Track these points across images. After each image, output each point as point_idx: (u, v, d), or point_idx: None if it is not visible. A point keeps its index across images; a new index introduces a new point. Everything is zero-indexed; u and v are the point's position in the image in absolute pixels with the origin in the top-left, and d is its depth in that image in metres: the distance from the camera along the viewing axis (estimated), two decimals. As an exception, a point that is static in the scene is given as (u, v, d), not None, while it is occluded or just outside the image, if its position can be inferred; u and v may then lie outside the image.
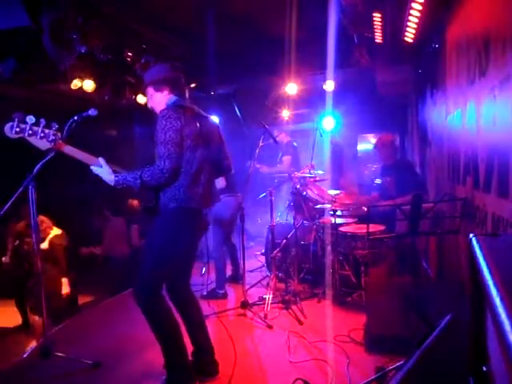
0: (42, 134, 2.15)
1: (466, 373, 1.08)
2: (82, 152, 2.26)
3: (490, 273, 0.85)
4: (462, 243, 3.01)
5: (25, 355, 2.81)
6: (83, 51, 3.61)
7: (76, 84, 4.62)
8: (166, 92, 2.48)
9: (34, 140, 2.16)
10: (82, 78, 4.63)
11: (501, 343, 0.67)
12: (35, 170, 2.60)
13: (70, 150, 2.26)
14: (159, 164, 2.21)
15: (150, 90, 2.50)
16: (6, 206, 2.58)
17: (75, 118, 2.49)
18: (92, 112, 2.53)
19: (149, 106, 2.59)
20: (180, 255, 2.42)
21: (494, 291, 0.78)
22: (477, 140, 2.54)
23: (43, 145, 2.19)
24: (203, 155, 2.42)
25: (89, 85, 4.71)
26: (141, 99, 5.52)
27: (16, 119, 2.10)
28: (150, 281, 2.33)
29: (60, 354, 2.75)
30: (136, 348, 3.02)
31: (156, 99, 2.50)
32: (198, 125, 2.41)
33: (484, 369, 0.93)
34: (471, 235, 1.13)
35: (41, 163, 2.55)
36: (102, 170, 2.27)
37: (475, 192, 2.61)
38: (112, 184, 2.27)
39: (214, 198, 2.57)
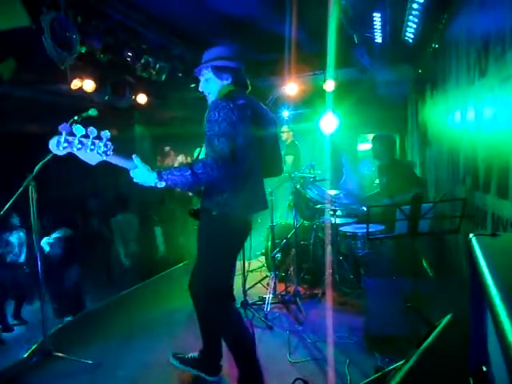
0: (93, 147, 1.81)
1: (466, 373, 1.08)
2: (121, 156, 1.92)
3: (490, 273, 0.85)
4: (461, 243, 3.01)
5: (25, 355, 2.80)
6: (83, 51, 3.61)
7: (76, 84, 4.61)
8: (226, 80, 2.25)
9: (82, 154, 1.82)
10: (82, 78, 4.63)
11: (501, 343, 0.67)
12: (35, 170, 2.60)
13: (115, 158, 1.90)
14: (213, 155, 1.95)
15: (208, 72, 2.25)
16: (7, 206, 2.59)
17: (75, 118, 2.49)
18: (92, 112, 2.53)
19: (200, 89, 2.33)
20: (223, 262, 2.28)
21: (494, 291, 0.78)
22: (477, 140, 2.55)
23: (93, 158, 1.83)
24: (255, 157, 2.21)
25: (89, 85, 4.71)
26: (141, 99, 5.52)
27: (64, 132, 1.74)
28: (208, 285, 2.26)
29: (60, 354, 2.75)
30: (136, 348, 3.02)
31: (212, 84, 2.27)
32: (253, 121, 2.16)
33: (484, 369, 0.93)
34: (471, 235, 1.13)
35: (41, 163, 2.56)
36: (139, 171, 1.90)
37: (475, 192, 2.61)
38: (154, 184, 1.92)
39: (262, 203, 2.35)
